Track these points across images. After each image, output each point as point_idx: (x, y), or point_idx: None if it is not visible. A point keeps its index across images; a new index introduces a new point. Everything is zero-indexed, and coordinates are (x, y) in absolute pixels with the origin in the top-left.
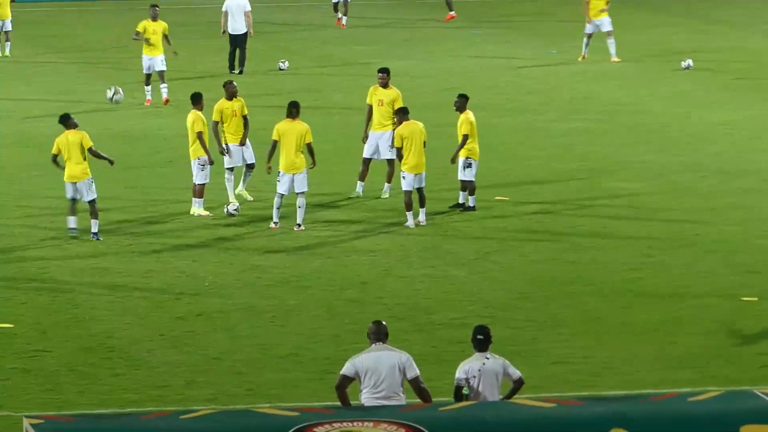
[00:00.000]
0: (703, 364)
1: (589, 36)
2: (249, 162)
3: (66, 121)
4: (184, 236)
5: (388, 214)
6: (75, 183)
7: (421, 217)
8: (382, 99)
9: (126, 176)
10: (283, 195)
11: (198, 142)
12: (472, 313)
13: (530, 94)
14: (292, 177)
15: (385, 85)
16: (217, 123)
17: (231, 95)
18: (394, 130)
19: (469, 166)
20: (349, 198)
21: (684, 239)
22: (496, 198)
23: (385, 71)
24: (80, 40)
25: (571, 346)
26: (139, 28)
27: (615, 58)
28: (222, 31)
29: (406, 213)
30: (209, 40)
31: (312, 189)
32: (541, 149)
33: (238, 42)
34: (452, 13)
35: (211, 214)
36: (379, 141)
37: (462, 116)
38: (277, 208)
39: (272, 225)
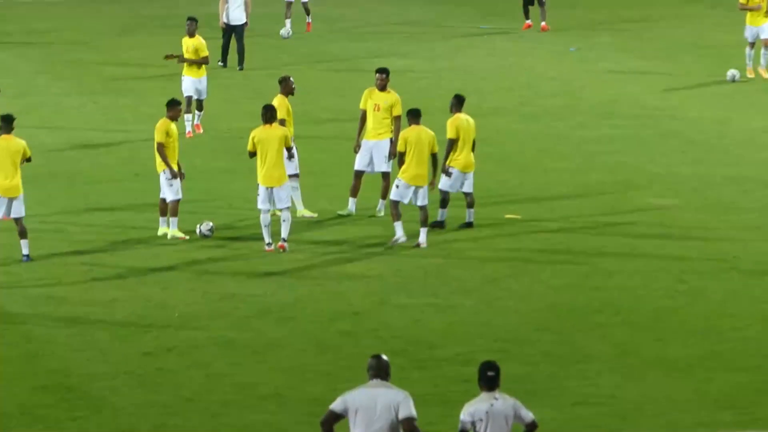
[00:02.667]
0: (746, 405)
1: (752, 45)
2: (292, 173)
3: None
4: (151, 260)
5: (383, 234)
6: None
7: (422, 239)
8: (378, 104)
9: (87, 191)
10: (267, 211)
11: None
12: (481, 348)
13: (550, 96)
14: (271, 191)
15: (383, 88)
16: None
17: (288, 92)
18: (391, 139)
19: (448, 174)
20: (340, 216)
21: (724, 262)
22: (507, 216)
23: (384, 72)
24: (39, 35)
25: (596, 384)
26: (183, 48)
27: (764, 71)
28: (222, 22)
29: (394, 224)
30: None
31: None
32: (561, 160)
33: (236, 33)
34: (529, 21)
35: (187, 237)
36: (373, 151)
37: (450, 119)
38: (266, 227)
39: (267, 248)
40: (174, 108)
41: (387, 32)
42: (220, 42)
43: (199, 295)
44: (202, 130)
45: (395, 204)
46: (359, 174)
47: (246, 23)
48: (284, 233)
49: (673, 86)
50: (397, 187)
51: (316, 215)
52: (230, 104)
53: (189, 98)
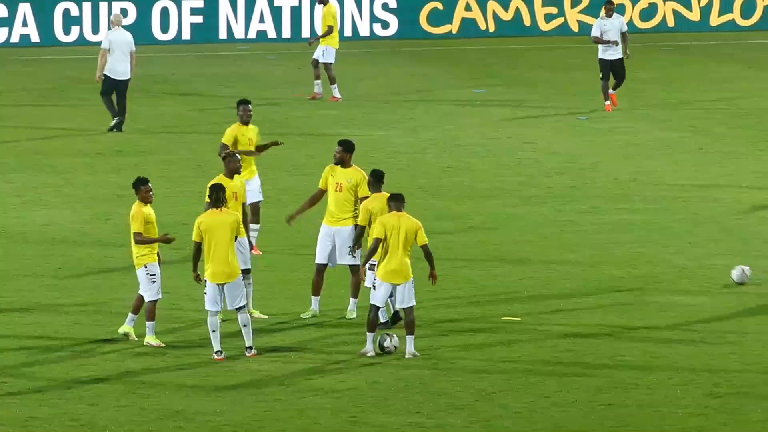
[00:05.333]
0: None
1: None
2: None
3: None
4: (77, 369)
5: (356, 339)
6: None
7: (409, 348)
8: (341, 182)
9: (0, 288)
10: (217, 312)
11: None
12: None
13: (556, 175)
14: (222, 288)
15: (343, 163)
16: None
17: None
18: (356, 225)
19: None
20: (303, 318)
21: (764, 372)
22: (504, 318)
23: (344, 145)
24: None
25: None
26: (227, 140)
27: None
28: (98, 75)
29: (367, 334)
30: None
31: (263, 303)
32: (570, 250)
33: (119, 89)
34: (608, 103)
35: (163, 345)
36: (336, 240)
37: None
38: (215, 331)
39: (215, 356)
40: (143, 187)
41: (359, 97)
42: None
43: (134, 413)
44: (260, 252)
45: (375, 311)
46: (321, 268)
47: (130, 78)
48: (248, 340)
49: (702, 162)
50: (374, 288)
51: (267, 317)
52: (169, 184)
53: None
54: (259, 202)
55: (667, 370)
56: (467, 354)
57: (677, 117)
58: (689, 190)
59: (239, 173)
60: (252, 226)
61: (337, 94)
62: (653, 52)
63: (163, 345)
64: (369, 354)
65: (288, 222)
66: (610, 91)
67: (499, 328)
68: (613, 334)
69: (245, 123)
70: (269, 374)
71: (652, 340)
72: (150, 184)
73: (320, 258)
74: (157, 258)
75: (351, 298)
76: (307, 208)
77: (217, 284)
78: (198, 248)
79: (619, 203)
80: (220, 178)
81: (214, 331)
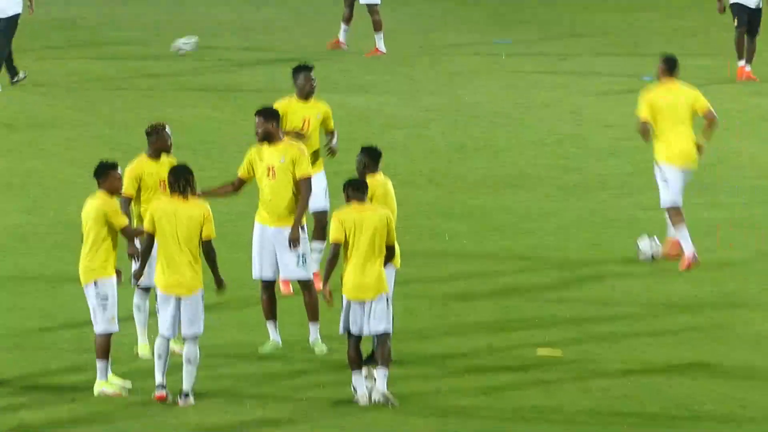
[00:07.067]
0: None
1: None
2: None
3: None
4: None
5: (336, 380)
6: None
7: (380, 386)
8: (272, 165)
9: None
10: (168, 338)
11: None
12: None
13: (609, 156)
14: (177, 303)
15: (269, 138)
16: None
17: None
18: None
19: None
20: (261, 353)
21: None
22: (538, 352)
23: (263, 114)
24: None
25: None
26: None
27: None
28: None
29: (353, 375)
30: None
31: (209, 333)
32: (628, 259)
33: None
34: (743, 64)
35: (125, 392)
36: (275, 243)
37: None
38: (160, 359)
39: (157, 392)
40: (110, 174)
41: (339, 52)
42: None
43: None
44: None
45: (353, 342)
46: (268, 286)
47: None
48: (186, 383)
49: None
50: (344, 310)
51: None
52: (77, 169)
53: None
54: (324, 212)
55: (760, 422)
56: (488, 401)
57: None
58: None
59: (169, 152)
60: (315, 244)
61: (381, 46)
62: None
63: (123, 393)
64: (361, 402)
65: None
66: (741, 64)
67: (532, 366)
68: (688, 373)
69: (305, 97)
70: (216, 428)
71: (741, 382)
72: (119, 171)
73: (263, 272)
74: (113, 272)
75: (310, 324)
76: (218, 195)
77: (175, 296)
78: (150, 241)
79: (696, 195)
80: (142, 160)
81: (159, 356)
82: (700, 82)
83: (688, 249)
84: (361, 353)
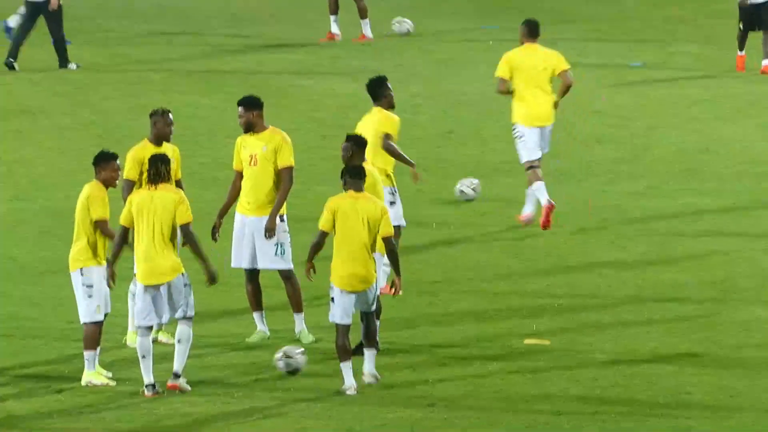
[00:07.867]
0: None
1: None
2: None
3: None
4: None
5: (323, 371)
6: None
7: (368, 368)
8: (254, 153)
9: None
10: (149, 329)
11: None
12: None
13: (597, 143)
14: (156, 292)
15: (252, 127)
16: None
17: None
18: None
19: None
20: (249, 344)
21: None
22: (527, 341)
23: (245, 104)
24: None
25: None
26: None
27: None
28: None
29: (341, 365)
30: None
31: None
32: (617, 247)
33: (46, 17)
34: (742, 53)
35: (112, 383)
36: (254, 232)
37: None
38: (144, 357)
39: (146, 392)
40: (108, 164)
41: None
42: None
43: None
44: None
45: (342, 332)
46: (252, 276)
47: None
48: (178, 363)
49: None
50: (333, 300)
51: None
52: (66, 159)
53: None
54: (397, 226)
55: (748, 411)
56: (475, 390)
57: None
58: None
59: (168, 139)
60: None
61: (368, 32)
62: None
63: (110, 383)
64: (349, 392)
65: (214, 235)
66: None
67: (520, 355)
68: (676, 362)
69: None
70: (204, 418)
71: (729, 371)
72: (117, 161)
73: (241, 261)
74: (102, 261)
75: (295, 314)
76: (232, 203)
77: (153, 285)
78: (124, 233)
79: (684, 182)
80: (144, 145)
81: (144, 356)
82: (689, 68)
83: (544, 199)
84: (350, 343)
